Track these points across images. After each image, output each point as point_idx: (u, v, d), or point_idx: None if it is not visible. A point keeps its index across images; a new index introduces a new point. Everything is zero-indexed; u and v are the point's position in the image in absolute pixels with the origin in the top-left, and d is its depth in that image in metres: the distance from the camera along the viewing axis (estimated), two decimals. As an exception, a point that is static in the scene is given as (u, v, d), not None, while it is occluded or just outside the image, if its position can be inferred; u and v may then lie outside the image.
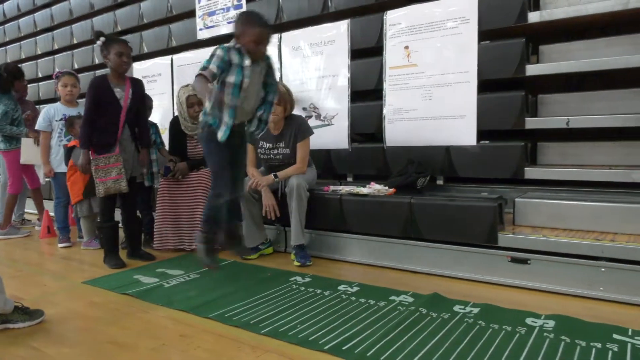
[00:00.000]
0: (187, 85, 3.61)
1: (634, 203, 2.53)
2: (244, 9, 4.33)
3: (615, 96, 2.92)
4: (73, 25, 6.28)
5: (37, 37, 6.90)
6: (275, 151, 3.23)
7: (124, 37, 5.19)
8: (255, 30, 2.41)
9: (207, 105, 2.52)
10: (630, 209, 2.50)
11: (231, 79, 2.43)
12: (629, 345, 1.79)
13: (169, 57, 4.90)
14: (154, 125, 3.81)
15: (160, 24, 5.14)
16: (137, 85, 3.20)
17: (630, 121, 2.72)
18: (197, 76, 2.38)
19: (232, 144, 2.55)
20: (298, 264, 3.03)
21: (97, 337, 2.04)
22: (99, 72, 5.13)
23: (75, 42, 6.24)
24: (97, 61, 5.74)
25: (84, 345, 1.97)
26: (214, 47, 2.46)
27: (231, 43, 2.48)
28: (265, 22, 2.48)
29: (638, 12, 2.69)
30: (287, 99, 3.16)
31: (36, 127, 3.93)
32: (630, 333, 1.89)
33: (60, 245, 3.84)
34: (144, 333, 2.06)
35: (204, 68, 2.39)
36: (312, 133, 3.23)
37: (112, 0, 5.77)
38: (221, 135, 2.45)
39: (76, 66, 6.02)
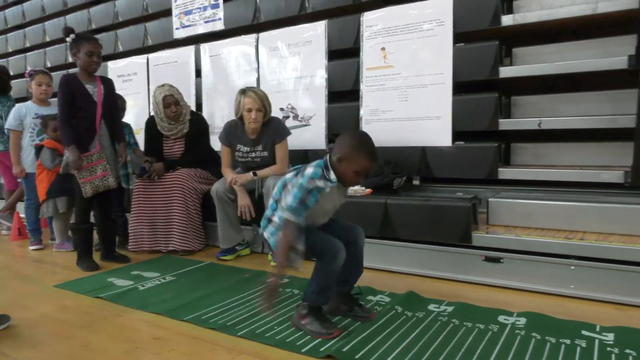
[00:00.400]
0: (163, 85, 3.56)
1: (603, 202, 2.60)
2: (221, 8, 4.30)
3: (585, 98, 3.00)
4: (46, 23, 6.14)
5: (8, 35, 6.73)
6: (253, 154, 3.22)
7: (98, 36, 5.11)
8: (365, 163, 1.94)
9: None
10: (599, 208, 2.57)
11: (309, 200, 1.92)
12: (597, 342, 1.83)
13: (145, 56, 4.83)
14: (128, 125, 3.76)
15: (136, 23, 5.07)
16: (108, 83, 3.17)
17: (599, 123, 2.80)
18: (285, 225, 1.90)
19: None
20: (275, 264, 3.03)
21: (68, 341, 2.01)
22: (72, 71, 5.03)
23: (48, 39, 6.11)
24: (70, 60, 5.62)
25: (55, 350, 1.93)
26: (307, 175, 1.91)
27: (322, 164, 1.95)
28: (377, 155, 2.01)
29: (606, 16, 2.77)
30: (267, 104, 3.15)
31: (6, 126, 3.83)
32: (598, 329, 1.94)
33: (31, 247, 3.76)
34: (117, 336, 2.03)
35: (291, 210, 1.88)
36: (289, 133, 3.23)
37: (86, -2, 5.67)
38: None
39: (49, 64, 5.89)
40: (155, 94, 3.54)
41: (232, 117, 3.26)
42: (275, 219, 2.01)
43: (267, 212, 2.07)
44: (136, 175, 3.56)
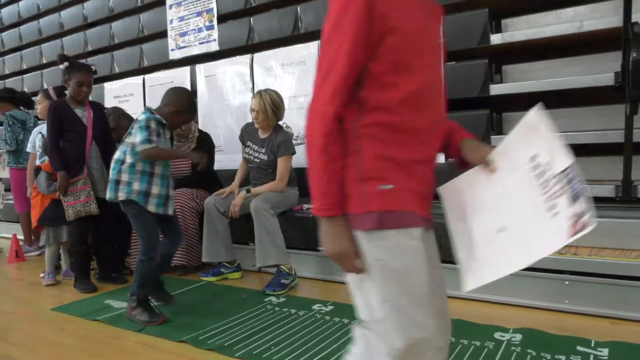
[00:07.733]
0: None
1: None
2: (216, 29, 4.37)
3: (574, 114, 3.05)
4: (42, 45, 6.21)
5: (5, 57, 6.80)
6: (257, 154, 3.23)
7: (94, 58, 5.18)
8: (191, 117, 2.71)
9: (126, 175, 2.39)
10: (591, 222, 2.59)
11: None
12: (592, 357, 1.85)
13: (141, 77, 4.89)
14: None
15: (132, 44, 5.13)
16: (98, 107, 3.23)
17: (590, 138, 2.84)
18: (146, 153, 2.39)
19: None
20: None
21: (66, 365, 2.01)
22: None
23: (44, 61, 6.17)
24: (67, 81, 5.67)
25: (53, 375, 1.93)
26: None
27: (148, 114, 2.47)
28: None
29: (591, 34, 2.83)
30: (271, 108, 3.11)
31: (27, 149, 3.89)
32: (593, 344, 1.96)
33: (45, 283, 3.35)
34: (116, 360, 2.04)
35: None
36: (292, 152, 3.17)
37: (83, 20, 5.74)
38: (154, 208, 2.42)
39: (45, 87, 5.93)
40: None
41: (228, 136, 3.29)
42: (124, 177, 2.39)
43: (112, 178, 2.42)
44: None
